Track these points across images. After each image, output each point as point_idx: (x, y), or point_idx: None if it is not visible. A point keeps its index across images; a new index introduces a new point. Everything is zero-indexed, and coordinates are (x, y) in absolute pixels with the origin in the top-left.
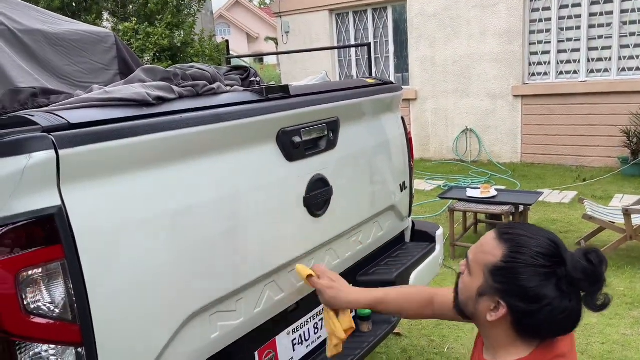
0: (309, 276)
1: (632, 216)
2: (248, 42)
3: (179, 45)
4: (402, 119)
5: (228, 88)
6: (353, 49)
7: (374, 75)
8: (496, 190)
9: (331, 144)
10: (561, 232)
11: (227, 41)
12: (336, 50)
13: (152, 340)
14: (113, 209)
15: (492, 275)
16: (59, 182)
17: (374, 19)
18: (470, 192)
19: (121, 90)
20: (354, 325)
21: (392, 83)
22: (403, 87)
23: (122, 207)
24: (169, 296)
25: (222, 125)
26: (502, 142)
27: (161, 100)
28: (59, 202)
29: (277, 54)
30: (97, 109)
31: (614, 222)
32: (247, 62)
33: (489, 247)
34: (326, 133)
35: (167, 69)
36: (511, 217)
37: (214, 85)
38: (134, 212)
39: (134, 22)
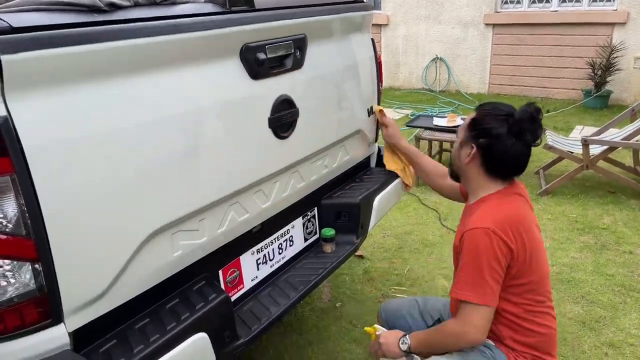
0: (381, 112)
1: (590, 146)
2: None
3: None
4: (372, 40)
5: None
6: None
7: None
8: (462, 119)
9: (298, 63)
10: None
11: None
12: None
13: (112, 257)
14: (65, 121)
15: (469, 128)
16: (3, 91)
17: None
18: (437, 121)
19: None
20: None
21: (362, 1)
22: (375, 12)
23: (76, 120)
24: (129, 213)
25: (180, 37)
26: (470, 71)
27: (114, 7)
28: (4, 113)
29: None
30: (43, 12)
31: (572, 152)
32: None
33: (469, 116)
34: (293, 51)
35: None
36: None
37: None
38: (89, 125)
39: None
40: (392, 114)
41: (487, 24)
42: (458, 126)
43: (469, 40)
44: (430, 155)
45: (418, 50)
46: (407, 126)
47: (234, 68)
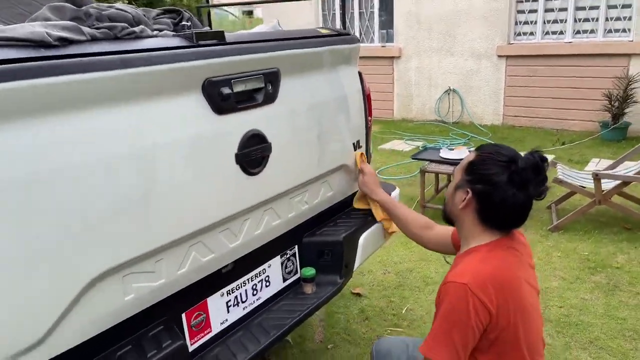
0: (362, 157)
1: (602, 181)
2: None
3: None
4: (360, 74)
5: (155, 32)
6: (337, 3)
7: (349, 28)
8: (470, 151)
9: (270, 97)
10: None
11: None
12: (319, 4)
13: (49, 302)
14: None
15: (465, 171)
16: None
17: None
18: (444, 154)
19: (16, 28)
20: (387, 216)
21: (348, 34)
22: (387, 44)
23: (12, 159)
24: (69, 255)
25: (130, 72)
26: (484, 103)
27: (66, 42)
28: None
29: (250, 3)
30: None
31: (584, 187)
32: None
33: (467, 157)
34: (264, 85)
35: (80, 8)
36: None
37: (136, 29)
38: (26, 163)
39: None
40: (402, 146)
41: (500, 56)
42: None
43: (482, 72)
44: (436, 189)
45: (431, 82)
46: (412, 158)
47: (196, 103)
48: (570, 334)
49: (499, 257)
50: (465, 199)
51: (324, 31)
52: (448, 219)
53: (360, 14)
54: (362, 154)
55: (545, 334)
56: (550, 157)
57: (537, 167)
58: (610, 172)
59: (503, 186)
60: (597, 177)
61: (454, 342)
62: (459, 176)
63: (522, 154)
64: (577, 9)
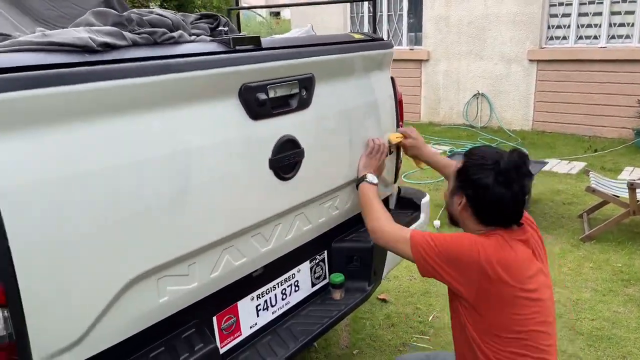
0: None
1: (637, 190)
2: None
3: None
4: (392, 79)
5: (193, 37)
6: (366, 5)
7: (378, 32)
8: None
9: (304, 103)
10: (564, 204)
11: None
12: (348, 7)
13: (88, 303)
14: (45, 162)
15: (456, 177)
16: None
17: None
18: None
19: (61, 34)
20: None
21: (381, 39)
22: (415, 47)
23: (55, 161)
24: (107, 258)
25: (171, 77)
26: (513, 108)
27: (109, 47)
28: None
29: (280, 6)
30: (32, 53)
31: (618, 196)
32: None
33: (459, 162)
34: (298, 91)
35: (122, 14)
36: None
37: (175, 34)
38: (69, 166)
39: None
40: None
41: (531, 60)
42: None
43: (512, 77)
44: None
45: (459, 86)
46: None
47: (232, 108)
48: (602, 348)
49: (506, 246)
50: (461, 203)
51: (357, 36)
52: (453, 222)
53: (389, 16)
54: (397, 135)
55: (576, 348)
56: (582, 165)
57: (516, 166)
58: None
59: (491, 188)
60: (632, 187)
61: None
62: (452, 182)
63: (506, 154)
64: (612, 13)
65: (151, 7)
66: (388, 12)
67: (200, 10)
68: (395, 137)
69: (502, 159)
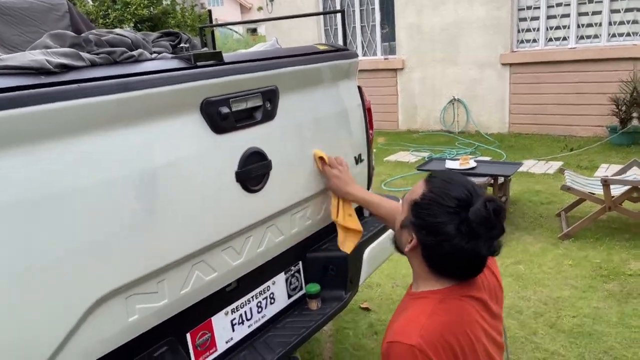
0: (322, 160)
1: (612, 186)
2: (241, 12)
3: (159, 15)
4: (359, 88)
5: (154, 55)
6: (339, 18)
7: (352, 43)
8: (476, 161)
9: (269, 115)
10: (543, 204)
11: (209, 11)
12: (321, 20)
13: (51, 327)
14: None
15: (411, 209)
16: None
17: None
18: (449, 164)
19: (16, 57)
20: (360, 229)
21: (345, 49)
22: (390, 56)
23: (14, 184)
24: (69, 280)
25: (129, 95)
26: (490, 112)
27: (66, 68)
28: None
29: (251, 22)
30: None
31: (593, 193)
32: (240, 33)
33: (417, 187)
34: (262, 103)
35: (79, 35)
36: (490, 189)
37: (135, 52)
38: (28, 188)
39: None
40: (408, 157)
41: (503, 64)
42: (472, 169)
43: (486, 81)
44: None
45: (435, 92)
46: (417, 170)
47: (195, 123)
48: (584, 344)
49: (451, 309)
50: (410, 241)
51: (322, 47)
52: (399, 250)
53: (362, 27)
54: (321, 156)
55: (558, 345)
56: (559, 164)
57: (488, 222)
58: (619, 177)
59: (450, 238)
60: (606, 183)
61: None
62: (404, 212)
63: (480, 195)
64: (580, 14)
65: (124, 28)
66: (361, 23)
67: (175, 29)
68: (319, 153)
69: (472, 203)
